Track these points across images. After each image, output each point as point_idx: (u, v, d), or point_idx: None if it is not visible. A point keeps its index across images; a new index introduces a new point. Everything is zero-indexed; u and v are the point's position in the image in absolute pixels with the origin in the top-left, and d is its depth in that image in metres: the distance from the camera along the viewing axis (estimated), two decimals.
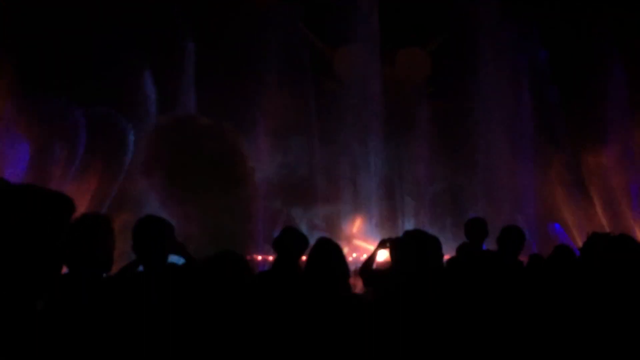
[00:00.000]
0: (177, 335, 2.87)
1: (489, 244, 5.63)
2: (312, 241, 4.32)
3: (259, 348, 2.96)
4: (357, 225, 18.76)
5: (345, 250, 4.14)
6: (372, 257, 5.05)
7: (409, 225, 17.98)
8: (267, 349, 3.05)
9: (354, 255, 15.86)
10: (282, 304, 3.67)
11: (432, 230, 5.37)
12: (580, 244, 5.27)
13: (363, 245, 17.48)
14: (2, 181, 1.68)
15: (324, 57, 19.55)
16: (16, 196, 1.65)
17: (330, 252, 3.88)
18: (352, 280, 4.14)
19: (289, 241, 4.78)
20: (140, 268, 3.69)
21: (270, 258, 11.00)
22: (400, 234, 4.44)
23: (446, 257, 4.99)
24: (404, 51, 19.56)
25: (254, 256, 14.51)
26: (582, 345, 4.11)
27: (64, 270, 3.15)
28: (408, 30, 18.61)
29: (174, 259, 3.82)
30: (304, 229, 15.25)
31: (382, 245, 5.02)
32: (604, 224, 16.17)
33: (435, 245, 4.02)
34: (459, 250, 5.62)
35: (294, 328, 3.46)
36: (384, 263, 5.62)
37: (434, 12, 17.89)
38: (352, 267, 4.36)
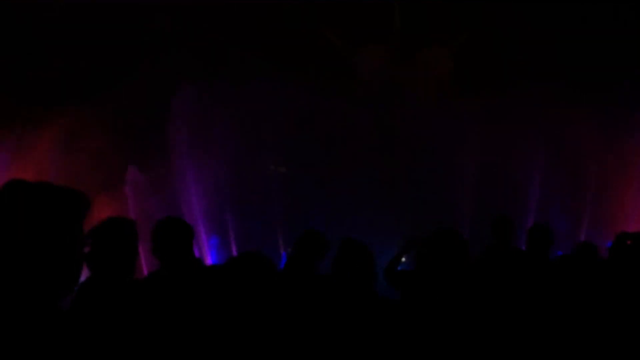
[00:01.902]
0: (200, 336, 2.86)
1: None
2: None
3: (280, 348, 2.93)
4: None
5: None
6: (398, 258, 5.01)
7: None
8: (290, 349, 3.03)
9: None
10: (306, 304, 3.65)
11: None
12: None
13: None
14: (20, 181, 1.70)
15: (344, 57, 19.56)
16: (33, 194, 1.67)
17: (356, 254, 3.85)
18: None
19: (309, 244, 4.77)
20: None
21: None
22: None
23: None
24: (425, 50, 19.51)
25: None
26: (608, 341, 4.07)
27: (87, 275, 3.16)
28: (430, 29, 18.54)
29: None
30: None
31: (408, 245, 4.98)
32: None
33: (462, 245, 3.98)
34: (487, 250, 5.56)
35: (320, 328, 3.43)
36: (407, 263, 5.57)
37: (457, 10, 17.80)
38: None
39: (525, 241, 5.15)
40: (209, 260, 14.81)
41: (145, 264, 8.90)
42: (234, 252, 15.10)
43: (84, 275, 3.10)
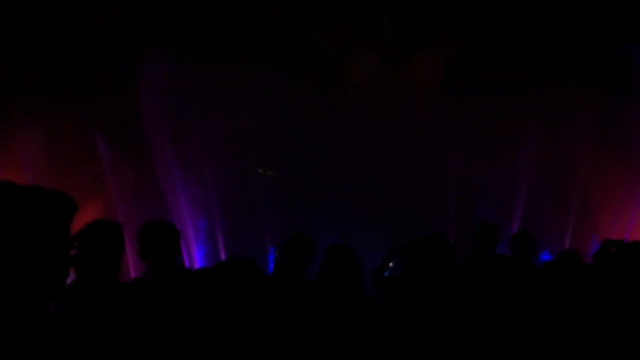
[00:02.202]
0: (187, 342, 2.86)
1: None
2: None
3: (268, 353, 2.94)
4: None
5: None
6: (385, 263, 5.04)
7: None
8: (276, 354, 3.03)
9: None
10: (293, 309, 3.66)
11: None
12: None
13: None
14: (7, 183, 1.71)
15: (333, 62, 19.59)
16: (20, 196, 1.68)
17: (342, 259, 3.86)
18: None
19: (296, 247, 4.78)
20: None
21: None
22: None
23: None
24: (415, 57, 19.58)
25: None
26: (591, 350, 4.10)
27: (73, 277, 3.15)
28: (422, 35, 18.61)
29: None
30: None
31: (395, 251, 5.01)
32: None
33: (448, 250, 4.01)
34: (472, 256, 5.60)
35: (306, 334, 3.44)
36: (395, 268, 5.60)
37: (449, 16, 17.87)
38: None
39: (509, 247, 5.21)
40: (197, 264, 14.75)
41: (132, 266, 8.87)
42: (222, 257, 15.06)
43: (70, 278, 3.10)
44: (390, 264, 5.17)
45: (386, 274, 5.07)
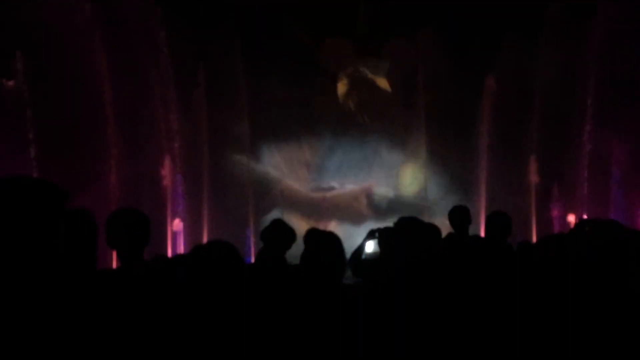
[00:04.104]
0: (165, 333, 2.82)
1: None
2: None
3: (250, 342, 2.91)
4: None
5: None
6: (361, 247, 5.05)
7: None
8: (259, 342, 3.01)
9: None
10: (275, 296, 3.66)
11: None
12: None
13: None
14: None
15: (310, 49, 19.57)
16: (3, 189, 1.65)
17: (322, 244, 3.84)
18: None
19: (276, 234, 4.82)
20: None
21: None
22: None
23: None
24: (390, 42, 19.62)
25: None
26: (570, 333, 4.14)
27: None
28: (396, 20, 18.65)
29: None
30: None
31: (370, 235, 5.02)
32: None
33: (429, 234, 3.98)
34: (446, 240, 5.64)
35: (287, 321, 3.44)
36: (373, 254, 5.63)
37: (421, 3, 17.94)
38: None
39: (485, 229, 5.28)
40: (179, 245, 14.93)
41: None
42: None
43: None
44: (371, 249, 5.20)
45: (363, 257, 5.09)
